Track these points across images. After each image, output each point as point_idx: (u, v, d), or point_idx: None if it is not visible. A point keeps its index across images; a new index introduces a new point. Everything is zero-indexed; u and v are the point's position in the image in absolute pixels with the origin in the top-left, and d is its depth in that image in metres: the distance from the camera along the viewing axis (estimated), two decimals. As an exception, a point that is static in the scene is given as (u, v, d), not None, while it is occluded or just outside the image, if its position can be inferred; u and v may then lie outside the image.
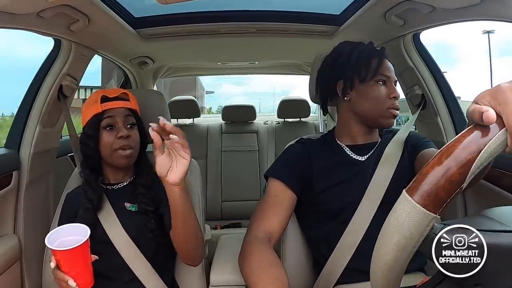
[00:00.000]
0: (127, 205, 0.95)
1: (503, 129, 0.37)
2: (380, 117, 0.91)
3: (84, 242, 0.73)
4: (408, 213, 0.38)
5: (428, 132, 1.32)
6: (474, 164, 0.36)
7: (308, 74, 1.33)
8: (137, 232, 0.92)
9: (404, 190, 0.40)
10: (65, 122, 1.31)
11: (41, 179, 1.28)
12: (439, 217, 0.38)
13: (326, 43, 1.49)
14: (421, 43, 1.30)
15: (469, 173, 0.37)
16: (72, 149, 1.15)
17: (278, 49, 1.89)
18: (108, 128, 0.93)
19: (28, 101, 1.20)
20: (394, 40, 1.29)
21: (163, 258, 0.97)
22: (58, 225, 0.96)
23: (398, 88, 0.98)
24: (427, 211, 0.37)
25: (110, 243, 0.90)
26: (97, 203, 0.92)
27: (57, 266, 0.73)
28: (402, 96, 1.37)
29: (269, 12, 1.40)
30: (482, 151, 0.36)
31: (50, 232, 0.75)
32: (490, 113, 0.37)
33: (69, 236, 0.75)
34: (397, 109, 0.91)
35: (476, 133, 0.37)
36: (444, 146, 0.39)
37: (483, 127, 0.37)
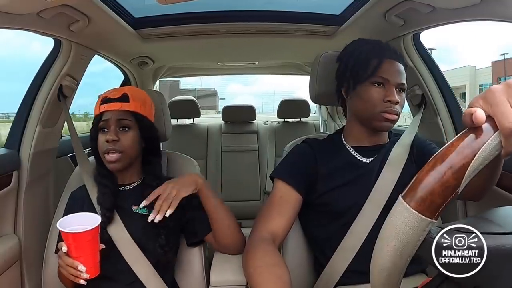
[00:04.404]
0: (134, 207, 0.95)
1: (497, 131, 0.37)
2: (373, 120, 0.89)
3: (95, 227, 0.76)
4: (404, 218, 0.38)
5: (428, 132, 1.31)
6: (469, 169, 0.36)
7: (308, 74, 1.33)
8: (144, 235, 0.92)
9: (400, 195, 0.40)
10: (66, 122, 1.31)
11: (41, 179, 1.28)
12: (435, 221, 0.38)
13: (326, 43, 1.50)
14: (421, 43, 1.29)
15: (464, 178, 0.37)
16: (74, 150, 1.15)
17: (278, 49, 1.89)
18: (102, 131, 0.93)
19: (28, 101, 1.20)
20: (394, 40, 1.28)
21: (166, 260, 0.96)
22: None
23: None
24: (423, 217, 0.37)
25: (114, 245, 0.90)
26: (107, 208, 0.93)
27: (66, 252, 0.76)
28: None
29: (269, 12, 1.40)
30: (477, 155, 0.36)
31: (61, 219, 0.79)
32: (479, 114, 0.37)
33: (79, 224, 0.78)
34: (394, 113, 0.87)
35: (470, 137, 0.37)
36: (438, 151, 0.39)
37: (477, 131, 0.37)
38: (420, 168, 0.90)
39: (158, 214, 0.84)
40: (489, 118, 0.37)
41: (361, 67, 0.89)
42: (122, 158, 0.92)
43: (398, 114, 0.89)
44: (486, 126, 0.37)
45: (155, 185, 0.93)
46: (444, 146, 0.39)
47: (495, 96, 0.37)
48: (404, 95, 0.92)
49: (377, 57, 0.89)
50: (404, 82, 0.91)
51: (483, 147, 0.37)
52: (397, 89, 0.89)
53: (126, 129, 0.93)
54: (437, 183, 0.37)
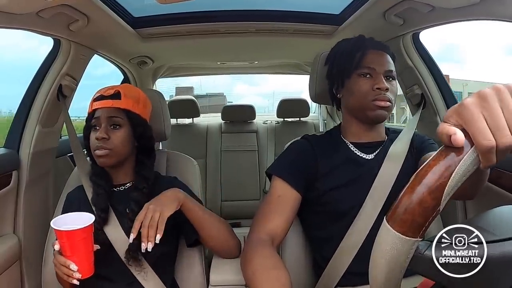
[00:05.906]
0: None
1: (473, 147, 0.36)
2: (365, 110, 0.88)
3: (89, 225, 0.75)
4: (390, 240, 0.39)
5: (428, 131, 1.31)
6: (446, 188, 0.36)
7: (308, 74, 1.33)
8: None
9: (384, 217, 0.40)
10: (64, 122, 1.31)
11: (40, 179, 1.28)
12: (420, 239, 0.38)
13: (326, 42, 1.49)
14: (420, 42, 1.29)
15: (443, 197, 0.36)
16: (72, 150, 1.15)
17: (277, 49, 1.89)
18: (94, 128, 0.92)
19: (27, 101, 1.20)
20: (394, 40, 1.28)
21: (165, 261, 0.96)
22: None
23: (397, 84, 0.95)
24: (406, 237, 0.38)
25: (111, 245, 0.89)
26: (102, 209, 0.91)
27: (60, 251, 0.75)
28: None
29: (268, 11, 1.40)
30: (454, 173, 0.36)
31: (56, 217, 0.78)
32: (458, 137, 0.36)
33: (74, 223, 0.76)
34: (385, 100, 0.86)
35: (446, 156, 0.37)
36: (416, 172, 0.38)
37: (453, 148, 0.37)
38: (419, 164, 0.89)
39: (148, 242, 0.79)
40: (464, 132, 0.37)
41: (346, 62, 0.90)
42: (110, 154, 0.91)
43: (390, 101, 0.88)
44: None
45: (142, 189, 0.92)
46: (422, 166, 0.38)
47: (469, 111, 0.36)
48: (394, 83, 0.91)
49: (361, 49, 0.90)
50: (392, 69, 0.90)
51: (459, 165, 0.36)
52: (386, 77, 0.89)
53: (117, 127, 0.92)
54: (417, 205, 0.37)
